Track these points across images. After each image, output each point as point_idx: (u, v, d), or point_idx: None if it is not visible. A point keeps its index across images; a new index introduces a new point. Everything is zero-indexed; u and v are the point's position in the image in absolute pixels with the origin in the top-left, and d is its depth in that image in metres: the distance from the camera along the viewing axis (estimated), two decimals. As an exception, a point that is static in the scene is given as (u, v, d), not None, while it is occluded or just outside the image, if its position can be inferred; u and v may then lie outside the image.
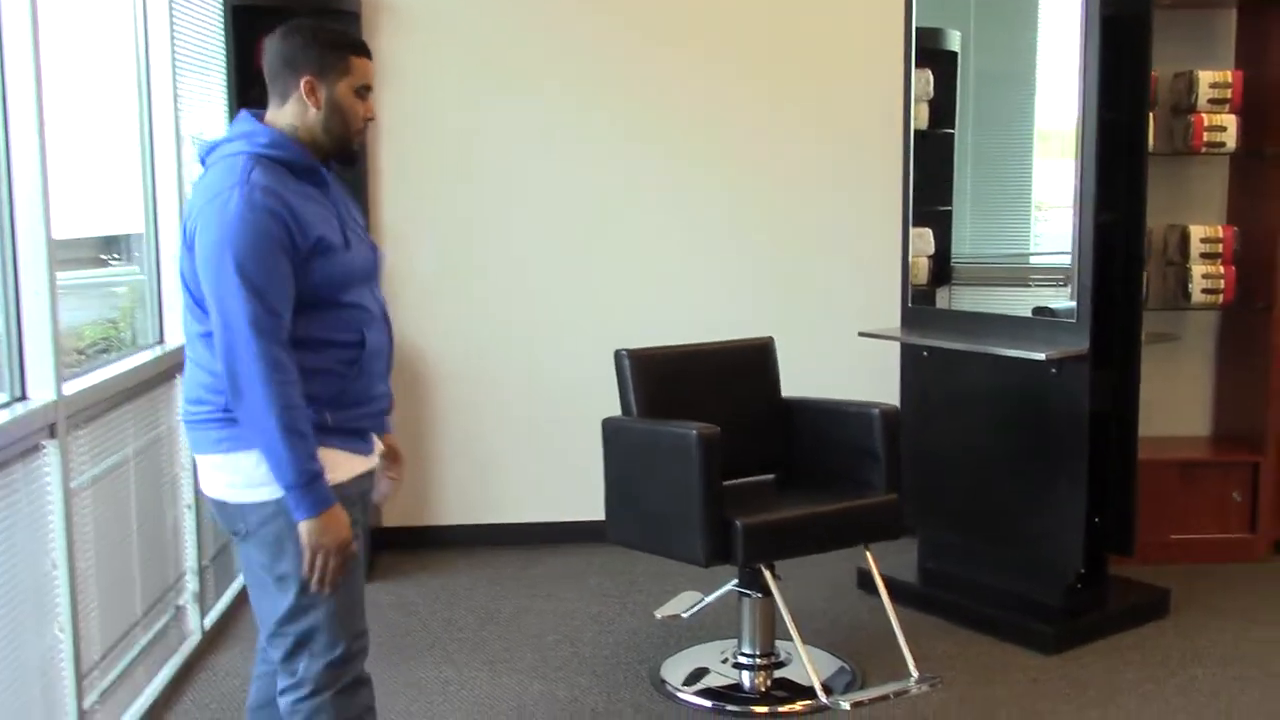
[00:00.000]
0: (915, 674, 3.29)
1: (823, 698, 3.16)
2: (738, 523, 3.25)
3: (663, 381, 3.66)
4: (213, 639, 3.96)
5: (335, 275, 2.31)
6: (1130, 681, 3.56)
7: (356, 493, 2.38)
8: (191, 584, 3.86)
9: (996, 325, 4.03)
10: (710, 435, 3.26)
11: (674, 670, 3.66)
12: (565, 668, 3.72)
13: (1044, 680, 3.58)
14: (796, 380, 4.04)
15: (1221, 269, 4.57)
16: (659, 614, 3.70)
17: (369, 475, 2.45)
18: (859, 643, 3.88)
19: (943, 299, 4.37)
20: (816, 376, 4.67)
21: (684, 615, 3.69)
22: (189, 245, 2.28)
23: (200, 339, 2.30)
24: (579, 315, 4.86)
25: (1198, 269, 4.57)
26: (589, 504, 4.05)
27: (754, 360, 3.84)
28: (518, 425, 4.90)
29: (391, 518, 4.90)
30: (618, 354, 3.63)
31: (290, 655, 2.35)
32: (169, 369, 3.71)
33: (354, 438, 2.37)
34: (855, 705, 3.13)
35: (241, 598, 4.32)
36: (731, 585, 3.58)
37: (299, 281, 2.25)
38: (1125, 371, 3.96)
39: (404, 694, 3.55)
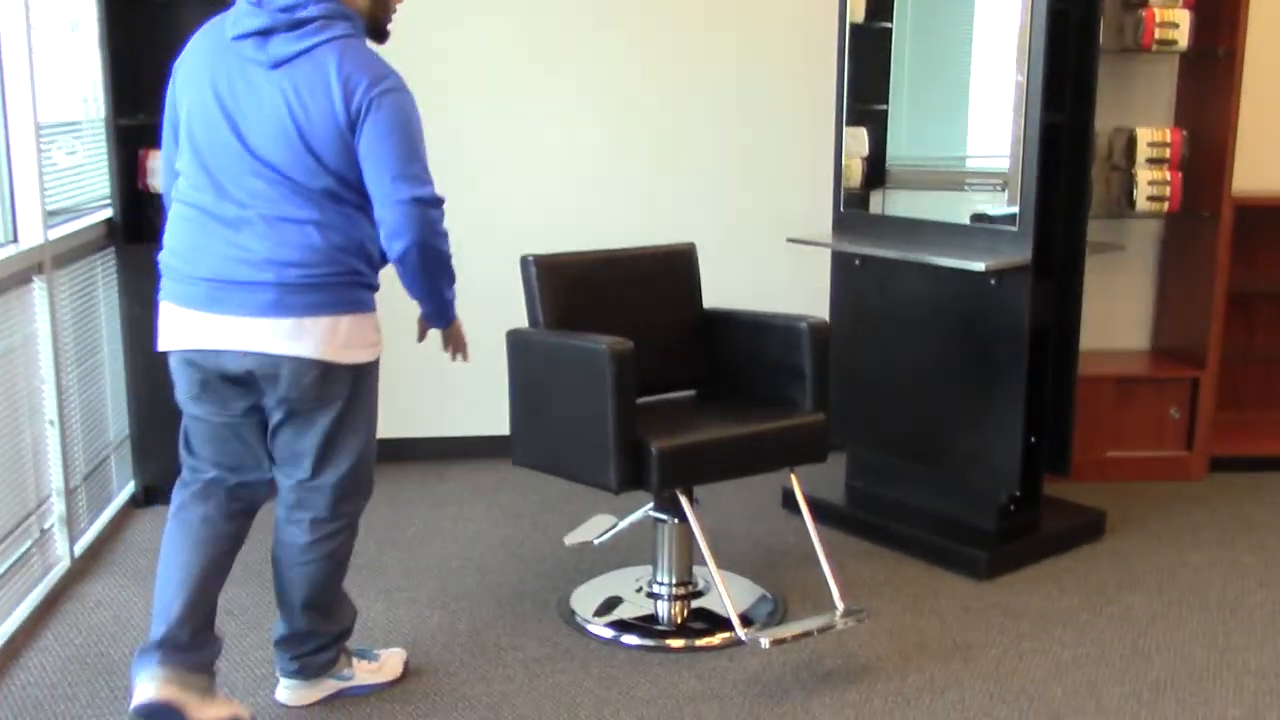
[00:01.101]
0: (840, 607, 3.07)
1: (740, 633, 2.93)
2: (652, 446, 2.97)
3: (573, 291, 3.35)
4: (84, 566, 3.64)
5: None
6: (1065, 610, 3.38)
7: None
8: (59, 507, 3.53)
9: (933, 233, 3.77)
10: (623, 350, 2.97)
11: (585, 600, 3.41)
12: (468, 597, 3.46)
13: (975, 609, 3.38)
14: (720, 291, 3.76)
15: (1168, 175, 4.34)
16: (568, 541, 3.44)
17: None
18: (783, 568, 3.66)
19: (876, 204, 4.10)
20: (742, 287, 4.40)
21: (595, 542, 3.44)
22: (348, 115, 2.46)
23: (328, 201, 2.50)
24: (491, 221, 4.52)
25: (1144, 174, 4.34)
26: (504, 418, 3.74)
27: (674, 268, 3.54)
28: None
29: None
30: (524, 260, 3.32)
31: (324, 499, 2.69)
32: (25, 271, 3.33)
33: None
34: (776, 642, 2.90)
35: (118, 521, 4.00)
36: (647, 510, 3.32)
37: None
38: (1067, 283, 3.72)
39: (290, 628, 3.26)
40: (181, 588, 2.65)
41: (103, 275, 3.99)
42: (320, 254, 2.51)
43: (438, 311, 2.75)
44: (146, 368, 4.07)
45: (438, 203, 2.53)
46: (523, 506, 4.18)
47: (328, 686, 2.89)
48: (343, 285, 2.55)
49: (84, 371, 3.82)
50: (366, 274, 2.61)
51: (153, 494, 4.18)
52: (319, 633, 2.82)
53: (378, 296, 2.69)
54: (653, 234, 4.25)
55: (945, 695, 2.91)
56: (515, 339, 3.28)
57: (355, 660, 2.93)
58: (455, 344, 2.92)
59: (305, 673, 2.85)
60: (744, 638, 2.93)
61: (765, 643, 2.87)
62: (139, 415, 4.11)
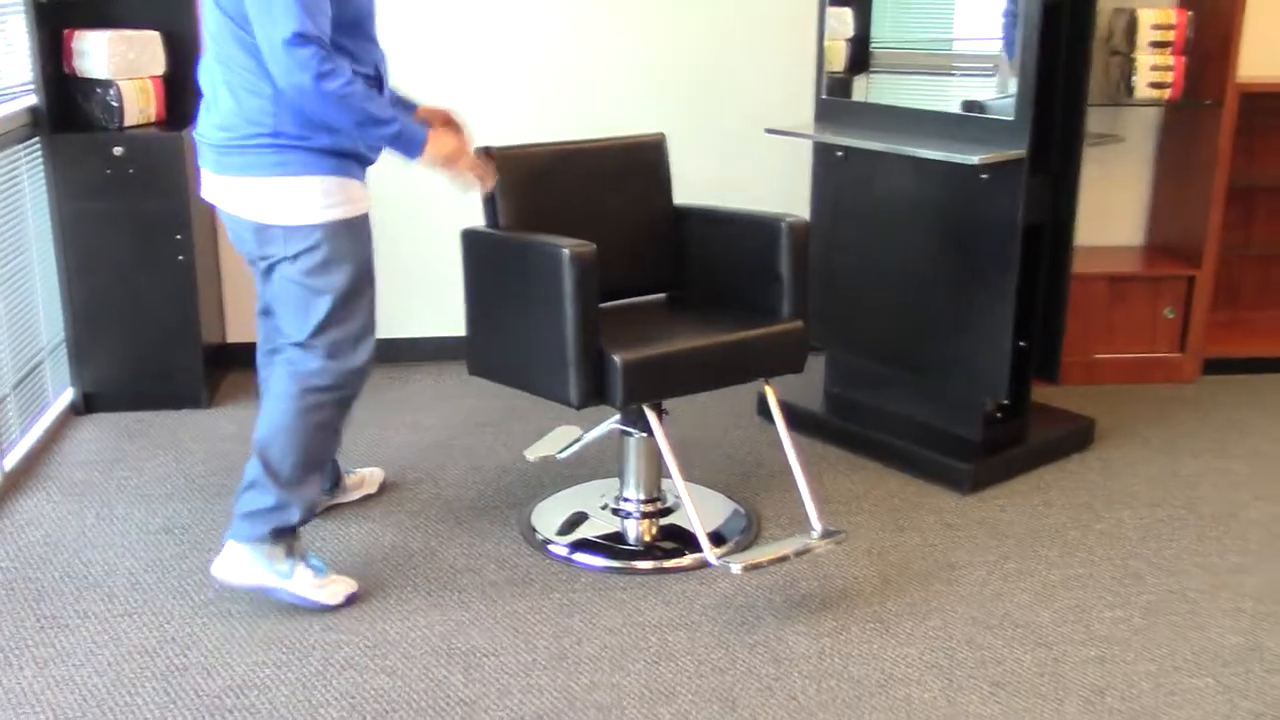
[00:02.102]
0: (818, 528, 2.88)
1: (710, 558, 2.75)
2: (616, 358, 2.75)
3: (534, 186, 3.10)
4: (15, 481, 3.43)
5: (358, 6, 2.60)
6: (1052, 527, 3.21)
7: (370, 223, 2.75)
8: (-16, 419, 3.30)
9: (921, 122, 3.51)
10: (584, 254, 2.73)
11: (548, 517, 3.22)
12: (424, 514, 3.26)
13: (959, 526, 3.21)
14: (693, 186, 3.50)
15: (1171, 59, 4.07)
16: (530, 455, 3.23)
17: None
18: (757, 481, 3.47)
19: (860, 91, 3.82)
20: (716, 182, 4.14)
21: (559, 457, 3.23)
22: None
23: (240, 59, 2.55)
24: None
25: (1145, 59, 4.07)
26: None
27: (642, 162, 3.28)
28: (381, 229, 4.30)
29: (237, 332, 4.34)
30: (478, 151, 3.04)
31: (317, 356, 2.70)
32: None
33: (362, 171, 2.71)
34: (748, 568, 2.71)
35: (55, 431, 3.77)
36: (613, 423, 3.11)
37: (337, 3, 2.51)
38: (1062, 178, 3.47)
39: (233, 549, 3.06)
40: None
41: (28, 168, 3.70)
42: (235, 117, 2.60)
43: (373, 148, 2.68)
44: (83, 266, 3.82)
45: (299, 39, 2.42)
46: (486, 414, 3.97)
47: (258, 573, 2.75)
48: (264, 148, 2.59)
49: (9, 273, 3.55)
50: (298, 136, 2.58)
51: (94, 400, 3.95)
52: (259, 484, 2.75)
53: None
54: (619, 125, 3.97)
55: (927, 621, 2.74)
56: (470, 239, 3.03)
57: (300, 565, 2.77)
58: (460, 173, 2.79)
59: (236, 530, 2.76)
60: (714, 562, 2.74)
61: (736, 568, 2.69)
62: (76, 318, 3.86)
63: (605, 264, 3.00)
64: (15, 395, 3.56)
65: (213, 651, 2.62)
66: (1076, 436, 3.72)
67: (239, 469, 3.51)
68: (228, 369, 4.32)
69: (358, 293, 2.71)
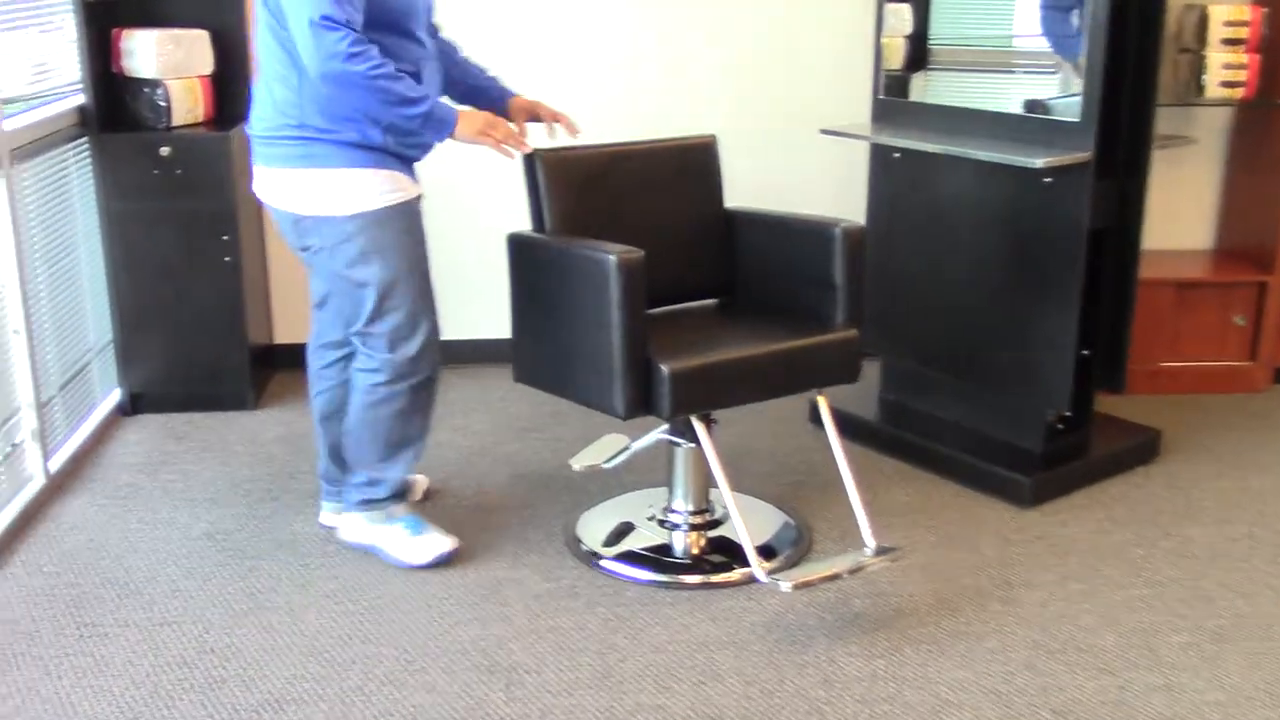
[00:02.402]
0: (871, 545, 2.79)
1: (759, 574, 2.66)
2: (664, 367, 2.67)
3: (582, 189, 3.02)
4: (61, 483, 3.41)
5: (395, 5, 2.62)
6: (1117, 544, 3.09)
7: (418, 210, 2.82)
8: (29, 421, 3.28)
9: (981, 123, 3.39)
10: (632, 261, 2.65)
11: (594, 527, 3.15)
12: (467, 522, 3.20)
13: (1018, 542, 3.10)
14: (745, 189, 3.41)
15: (1244, 57, 3.92)
16: (575, 464, 3.16)
17: (419, 199, 2.82)
18: (810, 491, 3.38)
19: (919, 89, 3.71)
20: (769, 185, 4.05)
21: (604, 467, 3.16)
22: None
23: (276, 53, 2.64)
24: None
25: (1216, 57, 3.92)
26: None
27: (693, 163, 3.20)
28: (431, 233, 4.26)
29: (284, 333, 4.31)
30: (526, 155, 2.98)
31: (376, 349, 2.79)
32: (-21, 167, 3.04)
33: (407, 165, 2.77)
34: (798, 586, 2.62)
35: (102, 432, 3.76)
36: (660, 433, 3.04)
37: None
38: (1129, 181, 3.35)
39: (273, 555, 3.02)
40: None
41: (76, 168, 3.68)
42: (270, 108, 2.69)
43: (408, 133, 2.66)
44: (130, 266, 3.80)
45: (328, 21, 2.47)
46: (532, 419, 3.91)
47: (360, 533, 3.00)
48: (293, 140, 2.67)
49: (56, 274, 3.54)
50: (324, 129, 2.65)
51: (140, 401, 3.93)
52: (340, 478, 3.05)
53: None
54: (670, 126, 3.89)
55: (984, 643, 2.64)
56: (516, 244, 2.96)
57: (395, 526, 2.96)
58: (496, 144, 2.76)
59: (343, 496, 3.04)
60: (763, 579, 2.66)
61: (786, 586, 2.60)
62: (123, 318, 3.84)
63: (654, 269, 2.92)
64: (62, 397, 3.55)
65: (252, 663, 2.57)
66: (1142, 449, 3.59)
67: (284, 473, 3.49)
68: (275, 370, 4.29)
69: (401, 281, 2.75)
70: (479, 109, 2.85)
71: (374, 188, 2.70)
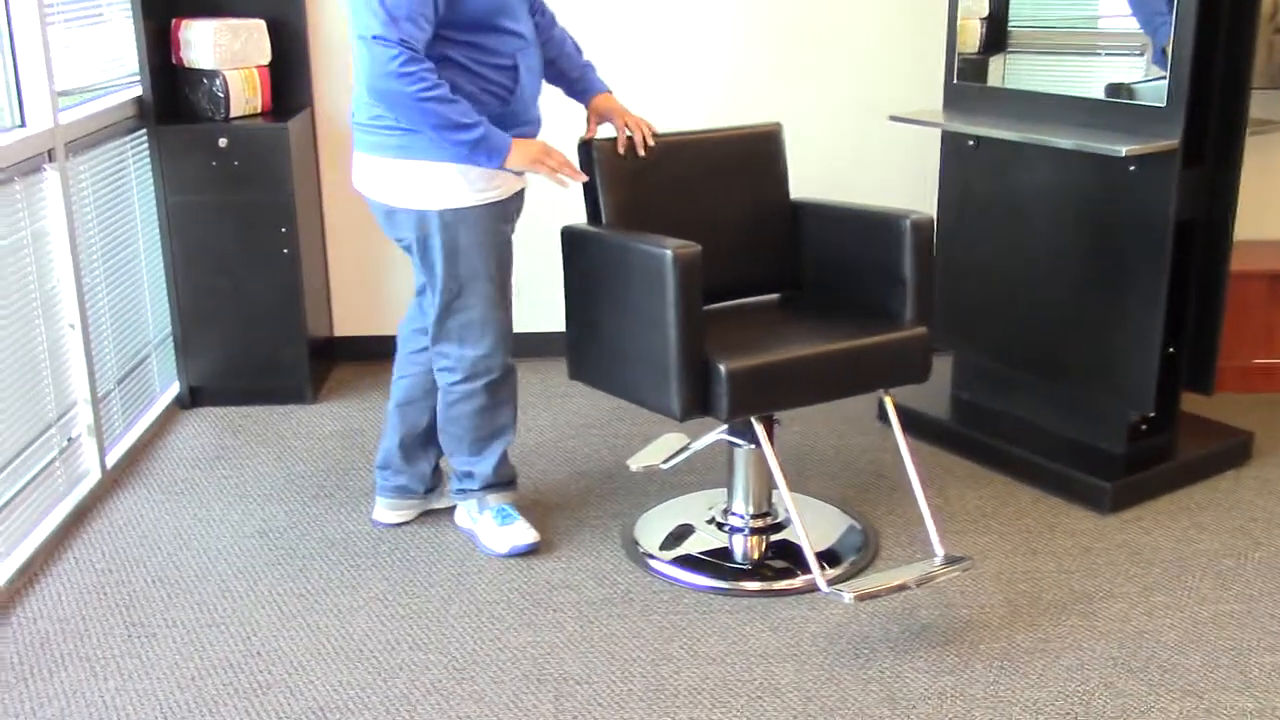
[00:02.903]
0: (940, 553, 2.66)
1: (821, 584, 2.55)
2: (721, 367, 2.56)
3: (640, 180, 2.92)
4: (117, 478, 3.39)
5: (480, 3, 2.58)
6: (1204, 554, 2.92)
7: (514, 208, 2.82)
8: (85, 416, 3.26)
9: (1061, 109, 3.23)
10: (689, 256, 2.54)
11: (652, 529, 3.05)
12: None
13: (1098, 551, 2.94)
14: (811, 179, 3.29)
15: (1345, 38, 3.70)
16: (633, 465, 3.06)
17: (519, 195, 2.83)
18: (877, 494, 3.25)
19: (995, 73, 3.54)
20: (837, 174, 3.93)
21: (662, 467, 3.06)
22: None
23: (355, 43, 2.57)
24: (557, 102, 4.06)
25: (1315, 38, 3.71)
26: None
27: (757, 153, 3.08)
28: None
29: (346, 325, 4.27)
30: (581, 145, 2.88)
31: (448, 345, 2.82)
32: (32, 159, 3.00)
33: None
34: (861, 598, 2.50)
35: (161, 425, 3.74)
36: (720, 433, 2.93)
37: (451, 6, 2.54)
38: (1221, 170, 3.16)
39: (324, 555, 2.97)
40: None
41: (134, 160, 3.65)
42: (363, 97, 2.66)
43: (456, 155, 2.62)
44: (189, 259, 3.77)
45: (383, 40, 2.47)
46: (592, 415, 3.82)
47: (463, 520, 3.05)
48: (389, 130, 2.65)
49: (114, 267, 3.51)
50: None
51: (199, 395, 3.90)
52: (403, 469, 3.08)
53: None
54: (733, 114, 3.78)
55: (1060, 660, 2.50)
56: (570, 237, 2.87)
57: (486, 514, 2.97)
58: (550, 172, 2.72)
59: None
60: (824, 589, 2.54)
61: (848, 598, 2.48)
62: (182, 311, 3.82)
63: (716, 262, 2.83)
64: (119, 391, 3.52)
65: (298, 668, 2.51)
66: (1231, 451, 3.40)
67: (338, 469, 3.44)
68: (334, 363, 4.25)
69: (479, 281, 2.74)
70: (569, 95, 2.93)
71: (462, 184, 2.67)
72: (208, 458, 3.54)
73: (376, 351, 4.24)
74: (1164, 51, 2.98)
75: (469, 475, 2.97)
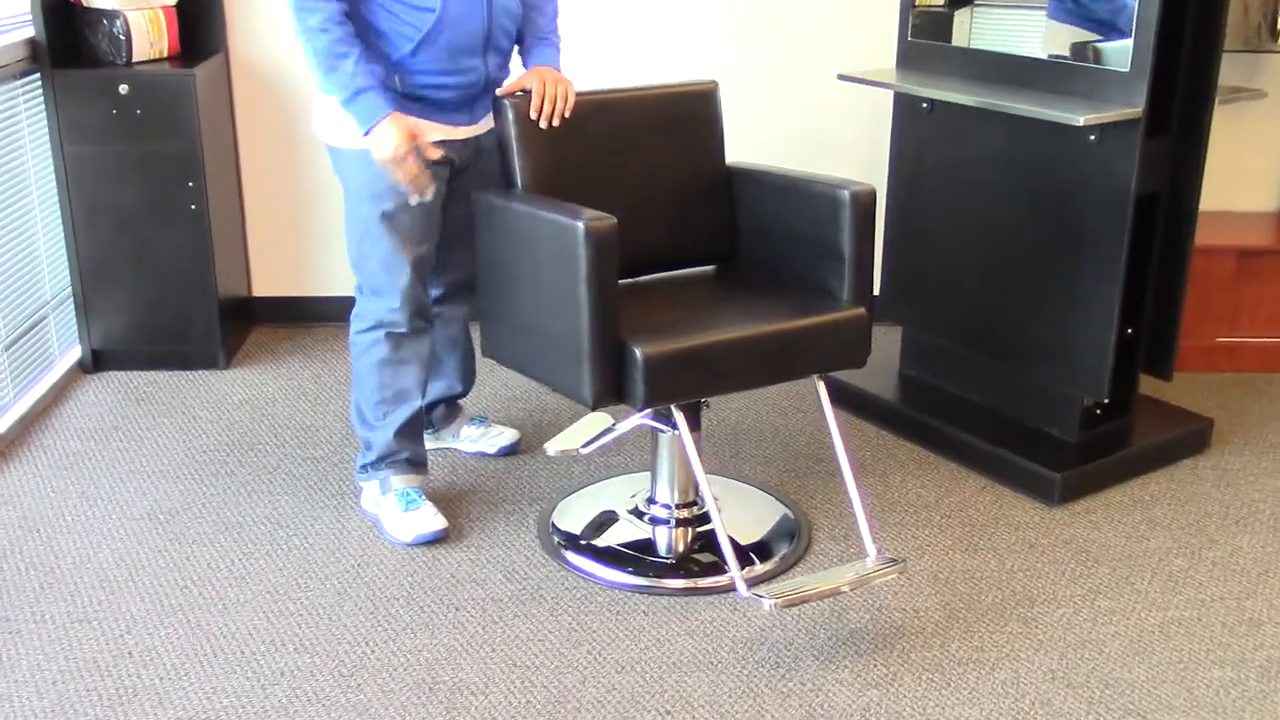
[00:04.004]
0: (872, 553, 2.47)
1: (741, 588, 2.35)
2: (637, 351, 2.35)
3: (561, 142, 2.68)
4: (5, 450, 3.16)
5: None
6: (1155, 553, 2.75)
7: (445, 159, 2.64)
8: (-34, 384, 3.02)
9: (1023, 71, 3.01)
10: (603, 230, 2.31)
11: (573, 515, 2.85)
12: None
13: (1043, 548, 2.76)
14: (750, 143, 3.07)
15: (1325, 0, 3.48)
16: (550, 448, 2.84)
17: (451, 144, 2.65)
18: (815, 480, 3.05)
19: (960, 30, 3.30)
20: (779, 138, 3.69)
21: (581, 452, 2.85)
22: None
23: None
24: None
25: (1293, -1, 3.49)
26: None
27: (691, 114, 2.84)
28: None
29: (265, 285, 4.03)
30: (498, 103, 2.64)
31: (358, 291, 2.73)
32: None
33: (428, 105, 2.60)
34: (784, 605, 2.31)
35: (60, 390, 3.50)
36: (642, 417, 2.71)
37: None
38: (1186, 141, 2.96)
39: (215, 541, 2.75)
40: None
41: (26, 106, 3.38)
42: None
43: (338, 100, 2.50)
44: (89, 214, 3.51)
45: None
46: (518, 387, 3.60)
47: (369, 504, 2.87)
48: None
49: (5, 221, 3.26)
50: None
51: (104, 358, 3.66)
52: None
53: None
54: (665, 70, 3.54)
55: (995, 673, 2.32)
56: (484, 205, 2.64)
57: (389, 497, 2.79)
58: (395, 177, 2.55)
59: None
60: (744, 594, 2.34)
61: (769, 604, 2.29)
62: (83, 269, 3.57)
63: (644, 232, 2.63)
64: (7, 356, 3.28)
65: (170, 672, 2.31)
66: (1190, 439, 3.22)
67: (242, 443, 3.22)
68: (252, 325, 4.01)
69: (378, 225, 2.61)
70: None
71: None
72: (105, 428, 3.31)
73: (298, 314, 4.03)
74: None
75: (368, 446, 2.81)
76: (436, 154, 2.56)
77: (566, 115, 2.65)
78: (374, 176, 2.57)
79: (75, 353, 3.65)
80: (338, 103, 2.49)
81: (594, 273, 2.31)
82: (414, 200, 2.58)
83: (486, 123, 2.72)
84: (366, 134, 2.48)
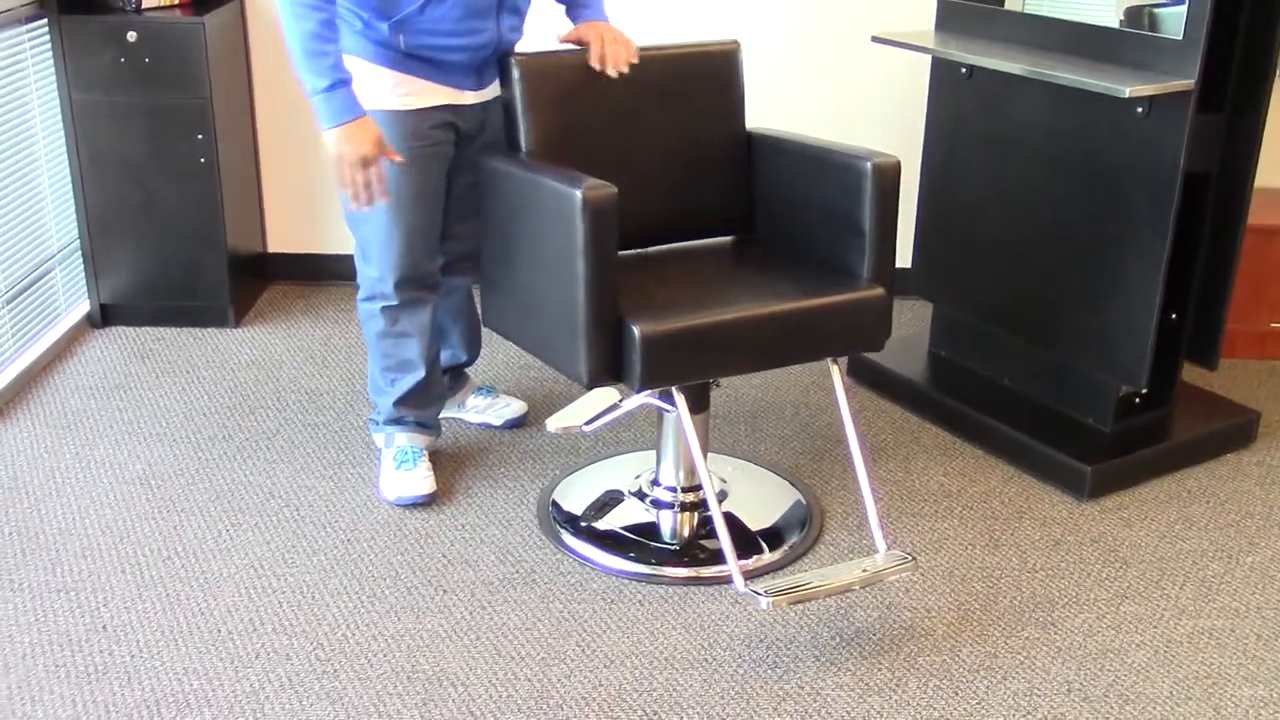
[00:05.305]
0: (882, 548, 2.33)
1: (738, 583, 2.22)
2: (635, 329, 2.21)
3: (571, 104, 2.54)
4: (5, 405, 3.09)
5: None
6: (1189, 555, 2.59)
7: (434, 123, 2.49)
8: (-39, 339, 2.95)
9: (1071, 36, 2.81)
10: (601, 199, 2.17)
11: (575, 495, 2.74)
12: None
13: (1069, 545, 2.61)
14: (778, 107, 2.90)
15: (1401, -34, 3.24)
16: (550, 426, 2.72)
17: (457, 109, 2.51)
18: (831, 463, 2.91)
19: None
20: (806, 104, 3.51)
21: (584, 429, 2.72)
22: None
23: None
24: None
25: (1367, -36, 3.25)
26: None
27: (710, 75, 2.68)
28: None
29: (281, 241, 3.93)
30: (504, 60, 2.50)
31: (357, 257, 2.63)
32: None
33: (433, 67, 2.45)
34: (780, 603, 2.17)
35: (66, 344, 3.43)
36: (648, 395, 2.58)
37: None
38: (1242, 117, 2.76)
39: (205, 510, 2.66)
40: None
41: (33, 53, 3.29)
42: None
43: (309, 88, 2.32)
44: (96, 165, 3.42)
45: None
46: (529, 359, 3.45)
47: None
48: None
49: (9, 170, 3.17)
50: (348, 8, 2.43)
51: (112, 313, 3.59)
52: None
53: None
54: (685, 28, 3.37)
55: (1008, 683, 2.18)
56: (489, 170, 2.50)
57: (387, 453, 2.74)
58: (341, 182, 2.39)
59: None
60: (741, 590, 2.21)
61: (765, 603, 2.16)
62: (91, 221, 3.48)
63: (658, 200, 2.51)
64: (9, 310, 3.21)
65: (143, 649, 2.22)
66: (1234, 432, 3.04)
67: (244, 406, 3.13)
68: (267, 282, 3.91)
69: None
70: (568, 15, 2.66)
71: (371, 85, 2.42)
72: (107, 386, 3.23)
73: (315, 271, 3.93)
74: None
75: (375, 409, 2.80)
76: (398, 159, 2.42)
77: (634, 62, 2.53)
78: (405, 136, 2.46)
79: (83, 306, 3.57)
80: (307, 89, 2.31)
81: (592, 244, 2.17)
82: (353, 207, 2.40)
83: (494, 89, 2.57)
84: (331, 129, 2.30)
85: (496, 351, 3.38)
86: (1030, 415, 2.98)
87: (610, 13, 2.68)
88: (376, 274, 2.59)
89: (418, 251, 2.56)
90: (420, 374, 2.68)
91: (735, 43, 2.70)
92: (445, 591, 2.41)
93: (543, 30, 2.67)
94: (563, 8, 2.69)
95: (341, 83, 2.30)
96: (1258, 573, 2.53)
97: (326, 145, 2.33)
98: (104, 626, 2.28)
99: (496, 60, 2.52)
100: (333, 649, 2.23)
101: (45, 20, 3.29)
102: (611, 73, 2.52)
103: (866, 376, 3.30)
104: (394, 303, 2.61)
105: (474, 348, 2.98)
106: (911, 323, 3.59)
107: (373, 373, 2.75)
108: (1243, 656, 2.27)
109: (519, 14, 2.54)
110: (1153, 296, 2.73)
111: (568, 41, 2.57)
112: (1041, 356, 3.03)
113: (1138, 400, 2.94)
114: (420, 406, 2.74)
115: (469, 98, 2.54)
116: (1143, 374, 2.78)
